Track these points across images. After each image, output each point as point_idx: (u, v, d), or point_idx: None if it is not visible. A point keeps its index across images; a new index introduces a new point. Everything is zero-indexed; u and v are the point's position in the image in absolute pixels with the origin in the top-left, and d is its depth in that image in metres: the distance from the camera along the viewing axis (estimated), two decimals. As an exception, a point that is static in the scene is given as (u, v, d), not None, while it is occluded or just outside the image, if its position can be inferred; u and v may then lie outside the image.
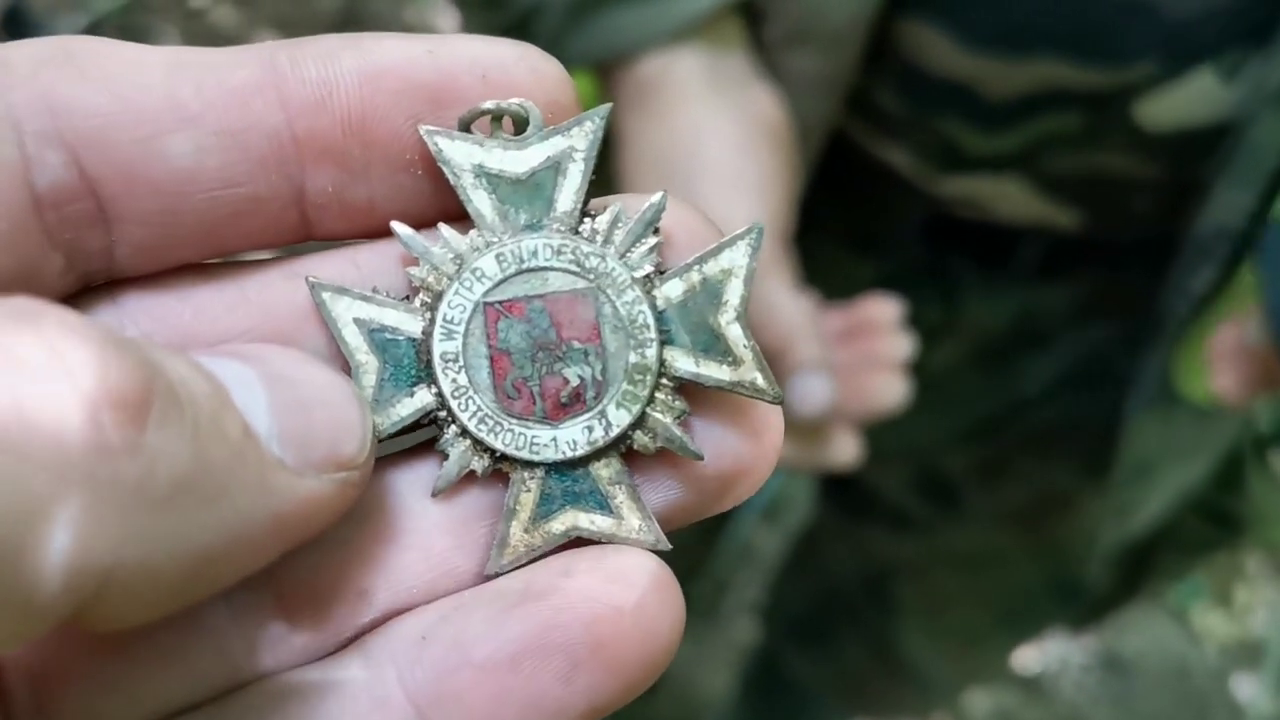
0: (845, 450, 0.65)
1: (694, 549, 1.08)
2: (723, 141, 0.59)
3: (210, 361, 0.18)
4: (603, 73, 0.64)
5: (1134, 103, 0.64)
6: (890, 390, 0.66)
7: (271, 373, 0.19)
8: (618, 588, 0.21)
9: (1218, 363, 0.65)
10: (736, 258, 0.23)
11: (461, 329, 0.22)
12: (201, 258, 0.22)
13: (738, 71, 0.63)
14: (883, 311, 0.67)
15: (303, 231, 0.22)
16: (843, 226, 0.81)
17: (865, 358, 0.66)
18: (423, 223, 0.22)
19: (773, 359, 0.57)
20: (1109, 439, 0.77)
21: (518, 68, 0.21)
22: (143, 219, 0.21)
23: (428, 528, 0.22)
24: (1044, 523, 0.93)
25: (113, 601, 0.16)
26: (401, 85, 0.21)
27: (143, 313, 0.21)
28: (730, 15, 0.63)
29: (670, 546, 0.22)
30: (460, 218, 0.22)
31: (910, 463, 0.95)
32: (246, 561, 0.18)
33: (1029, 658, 1.59)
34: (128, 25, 1.66)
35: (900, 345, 0.66)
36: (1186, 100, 0.63)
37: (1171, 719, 1.59)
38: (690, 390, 0.23)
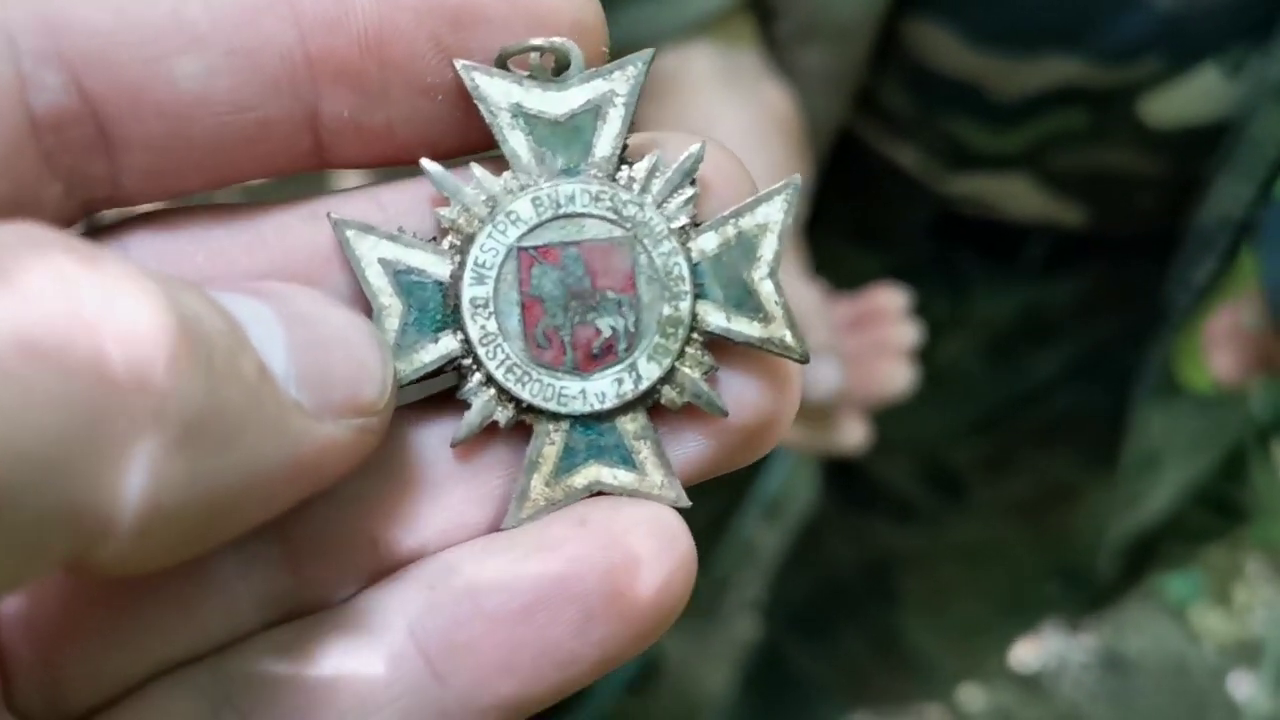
0: (853, 434, 0.67)
1: (695, 545, 1.06)
2: (734, 133, 0.60)
3: (226, 298, 0.17)
4: None
5: (1139, 100, 0.64)
6: (897, 376, 0.67)
7: (290, 311, 0.18)
8: (633, 538, 0.20)
9: (1214, 346, 0.66)
10: (772, 213, 0.22)
11: (494, 274, 0.21)
12: (210, 186, 0.21)
13: (749, 67, 0.64)
14: (890, 300, 0.68)
15: (316, 158, 0.21)
16: (851, 222, 0.81)
17: (873, 345, 0.68)
18: (443, 153, 0.21)
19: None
20: (1114, 431, 0.78)
21: None
22: (148, 144, 0.20)
23: (441, 478, 0.21)
24: (1049, 514, 0.93)
25: (123, 546, 0.15)
26: (422, 3, 0.20)
27: (152, 255, 0.20)
28: (742, 12, 0.63)
29: (690, 503, 0.22)
30: (483, 149, 0.22)
31: (916, 454, 0.96)
32: (261, 507, 0.18)
33: (1028, 655, 1.59)
34: None
35: (907, 333, 0.68)
36: (1191, 96, 0.63)
37: (1170, 718, 1.59)
38: (716, 344, 0.22)
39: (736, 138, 0.59)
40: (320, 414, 0.18)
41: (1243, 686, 1.60)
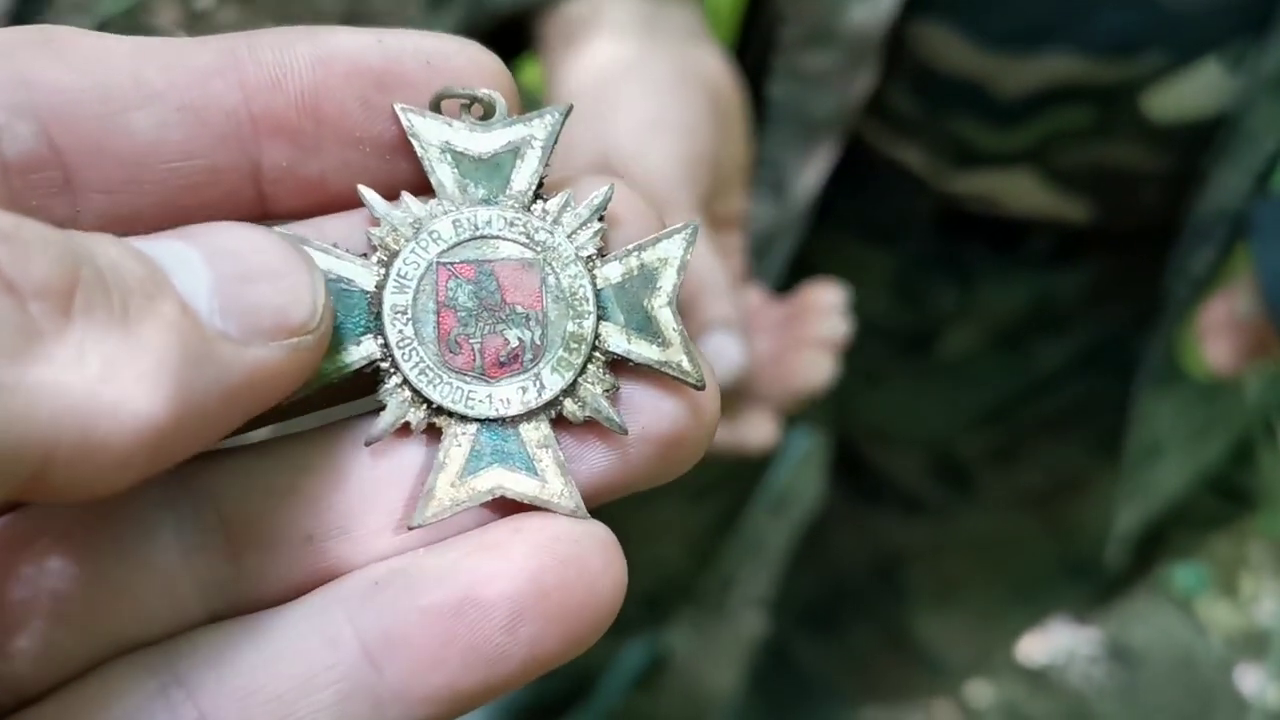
0: (760, 432, 0.62)
1: (702, 543, 1.09)
2: (648, 82, 0.58)
3: (149, 245, 0.20)
4: (533, 19, 0.63)
5: (1142, 94, 0.64)
6: (817, 368, 0.62)
7: (215, 248, 0.20)
8: (564, 545, 0.22)
9: (1208, 335, 0.66)
10: (673, 248, 0.24)
11: (414, 284, 0.24)
12: (163, 226, 0.23)
13: (680, 25, 0.62)
14: (822, 296, 0.64)
15: (259, 207, 0.24)
16: (856, 218, 0.81)
17: (796, 340, 0.63)
18: None
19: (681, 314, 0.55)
20: (1122, 421, 0.78)
21: (459, 57, 0.24)
22: (107, 187, 0.22)
23: (374, 480, 0.23)
24: (1058, 505, 0.94)
25: (61, 468, 0.17)
26: (351, 69, 0.23)
27: None
28: None
29: (588, 515, 0.23)
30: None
31: (923, 448, 0.96)
32: (202, 432, 0.19)
33: (1035, 649, 1.59)
34: (133, 27, 1.69)
35: (834, 327, 0.63)
36: (1193, 91, 0.64)
37: (1177, 709, 1.59)
38: (622, 367, 0.24)
39: (650, 86, 0.58)
40: (248, 340, 0.20)
41: (1250, 678, 1.59)
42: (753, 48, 0.71)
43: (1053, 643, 1.61)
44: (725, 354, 0.56)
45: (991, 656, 1.28)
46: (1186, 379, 0.74)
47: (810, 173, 0.69)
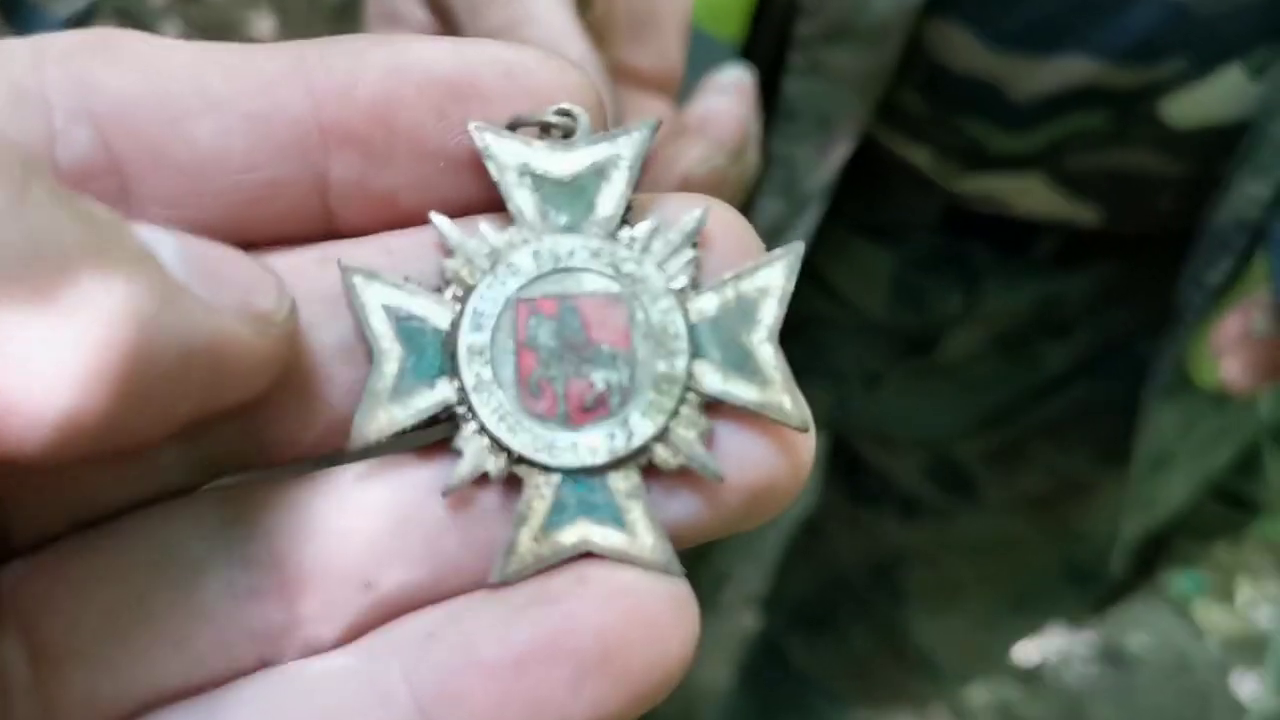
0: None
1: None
2: None
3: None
4: None
5: (1161, 100, 0.63)
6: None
7: (184, 240, 0.19)
8: (632, 600, 0.21)
9: (1223, 351, 0.64)
10: (774, 277, 0.22)
11: (491, 322, 0.22)
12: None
13: None
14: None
15: (325, 224, 0.22)
16: (860, 215, 0.80)
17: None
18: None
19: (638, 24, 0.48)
20: (1127, 426, 0.77)
21: (543, 69, 0.22)
22: (166, 199, 0.21)
23: (435, 526, 0.22)
24: (1059, 510, 0.93)
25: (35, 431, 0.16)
26: (425, 78, 0.21)
27: None
28: None
29: (683, 572, 0.21)
30: (481, 214, 0.22)
31: (924, 450, 0.95)
32: (169, 390, 0.17)
33: (1030, 650, 1.60)
34: (126, 9, 1.66)
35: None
36: (1214, 97, 0.63)
37: (1173, 713, 1.60)
38: (715, 407, 0.22)
39: None
40: (215, 302, 0.18)
41: (1246, 683, 1.60)
42: (764, 43, 0.69)
43: (1047, 643, 1.61)
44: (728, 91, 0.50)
45: (988, 662, 1.27)
46: (1196, 390, 0.73)
47: (824, 171, 0.67)
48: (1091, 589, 0.98)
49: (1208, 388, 0.71)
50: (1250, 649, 1.63)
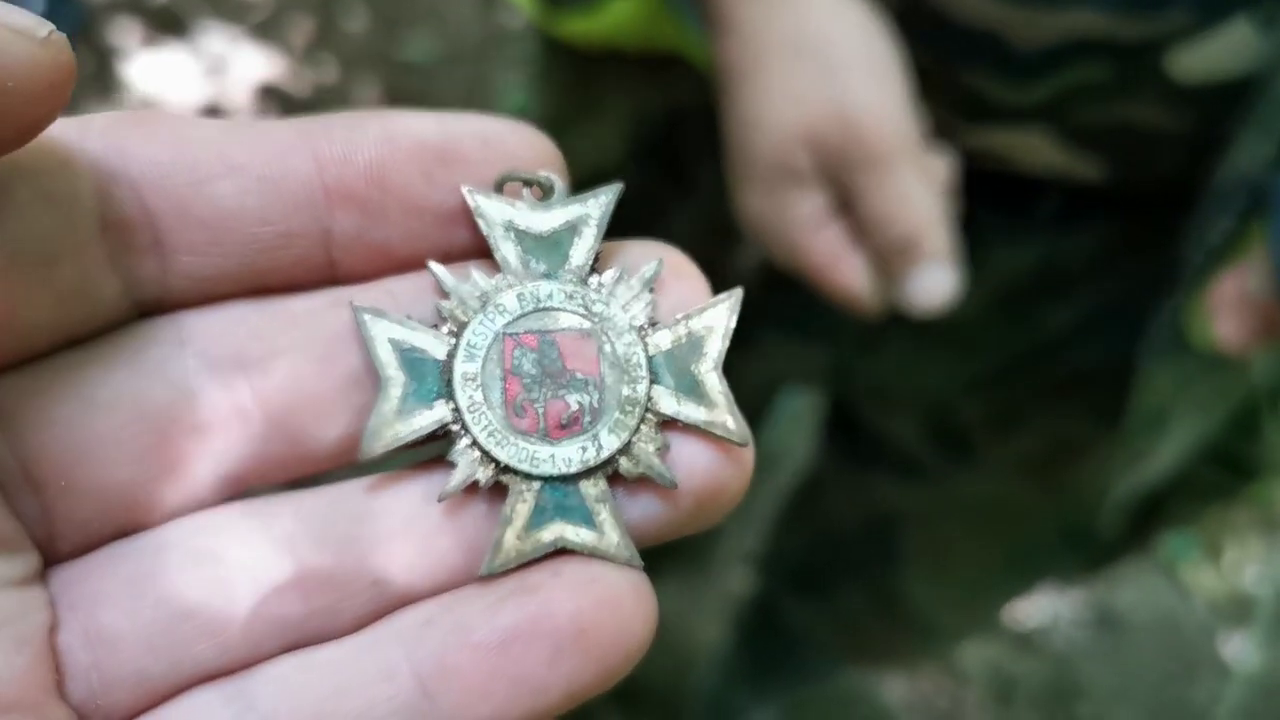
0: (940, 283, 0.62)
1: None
2: (856, 29, 0.60)
3: None
4: None
5: (1166, 53, 0.63)
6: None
7: None
8: (601, 588, 0.25)
9: (1219, 312, 0.64)
10: (718, 316, 0.27)
11: (482, 353, 0.26)
12: (242, 290, 0.26)
13: None
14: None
15: (329, 271, 0.26)
16: None
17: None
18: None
19: (901, 251, 0.59)
20: (1125, 389, 0.77)
21: (513, 137, 0.26)
22: (192, 249, 0.25)
23: (432, 529, 0.25)
24: (1057, 471, 0.92)
25: None
26: (415, 145, 0.25)
27: (203, 331, 0.25)
28: None
29: (642, 565, 0.26)
30: (462, 261, 0.26)
31: (923, 411, 0.95)
32: None
33: (1021, 611, 1.62)
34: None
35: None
36: (1220, 51, 0.62)
37: (1161, 672, 1.61)
38: (671, 426, 0.26)
39: (858, 33, 0.59)
40: None
41: (1233, 643, 1.62)
42: None
43: (1037, 605, 1.63)
44: (939, 284, 0.59)
45: (983, 622, 1.27)
46: (1193, 350, 0.72)
47: None
48: (1087, 551, 0.98)
49: (1204, 348, 0.71)
50: (1238, 610, 1.65)
